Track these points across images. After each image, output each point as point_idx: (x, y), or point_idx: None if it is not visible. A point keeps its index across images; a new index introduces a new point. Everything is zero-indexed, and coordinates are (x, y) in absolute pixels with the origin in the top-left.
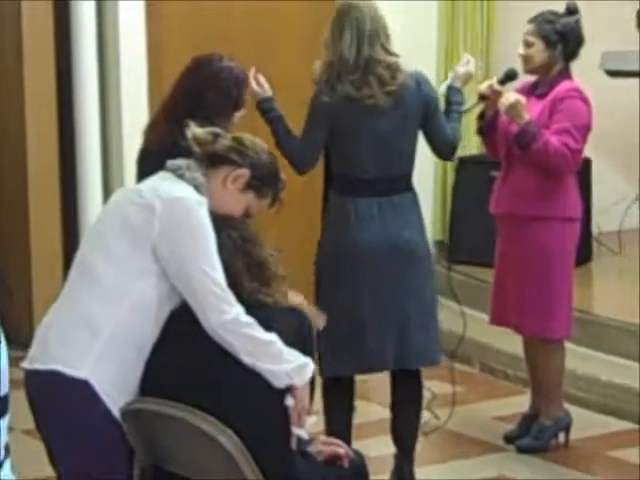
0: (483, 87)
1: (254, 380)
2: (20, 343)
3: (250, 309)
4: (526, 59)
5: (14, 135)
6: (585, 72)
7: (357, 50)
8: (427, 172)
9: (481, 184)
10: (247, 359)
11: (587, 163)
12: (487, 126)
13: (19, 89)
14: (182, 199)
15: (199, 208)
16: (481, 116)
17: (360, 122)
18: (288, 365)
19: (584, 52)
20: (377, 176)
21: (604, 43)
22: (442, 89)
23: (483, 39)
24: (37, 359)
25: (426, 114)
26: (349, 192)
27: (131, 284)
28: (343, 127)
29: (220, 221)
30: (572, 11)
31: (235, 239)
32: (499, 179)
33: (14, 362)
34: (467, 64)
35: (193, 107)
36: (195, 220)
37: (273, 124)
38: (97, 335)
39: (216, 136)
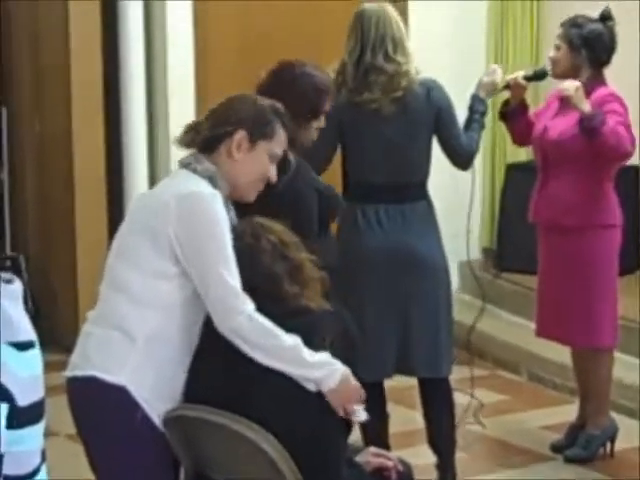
0: (510, 77)
1: (295, 386)
2: (65, 347)
3: (295, 315)
4: (553, 62)
5: (61, 137)
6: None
7: (358, 56)
8: (476, 177)
9: (529, 191)
10: (266, 361)
11: (635, 170)
12: (511, 114)
13: (66, 93)
14: (195, 194)
15: (213, 202)
16: (505, 103)
17: (365, 127)
18: (311, 370)
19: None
20: (385, 183)
21: None
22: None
23: (533, 42)
24: (77, 366)
25: (438, 122)
26: (358, 198)
27: (157, 287)
28: (349, 131)
29: (258, 226)
30: (606, 17)
31: (275, 244)
32: (537, 187)
33: (59, 366)
34: (492, 74)
35: None
36: (209, 215)
37: None
38: (132, 341)
39: (192, 125)
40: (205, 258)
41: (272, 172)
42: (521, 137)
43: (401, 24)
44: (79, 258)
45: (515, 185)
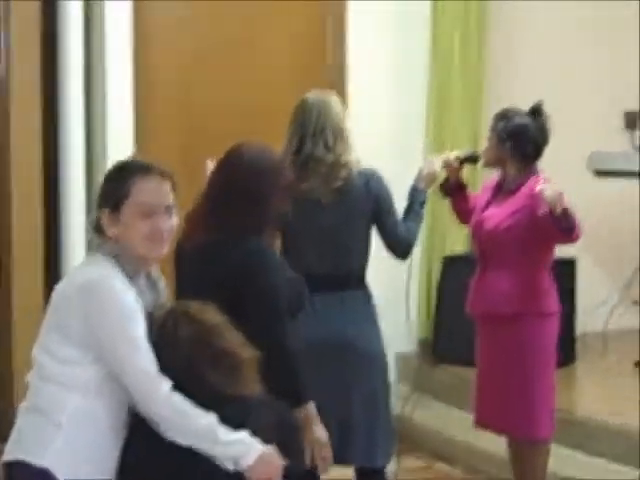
0: (443, 156)
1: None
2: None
3: (221, 404)
4: (484, 152)
5: None
6: (575, 169)
7: (298, 146)
8: (413, 269)
9: (466, 282)
10: (183, 441)
11: (572, 263)
12: (449, 191)
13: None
14: (93, 282)
15: (112, 286)
16: (446, 180)
17: (303, 217)
18: (227, 448)
19: (573, 153)
20: (322, 272)
21: (592, 144)
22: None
23: (472, 126)
24: (8, 451)
25: (375, 212)
26: None
27: (74, 372)
28: (287, 222)
29: (177, 311)
30: (536, 111)
31: (193, 332)
32: (474, 278)
33: None
34: (431, 165)
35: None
36: (109, 301)
37: None
38: (57, 423)
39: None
40: (113, 346)
41: (162, 225)
42: (461, 216)
43: (343, 114)
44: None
45: (452, 277)
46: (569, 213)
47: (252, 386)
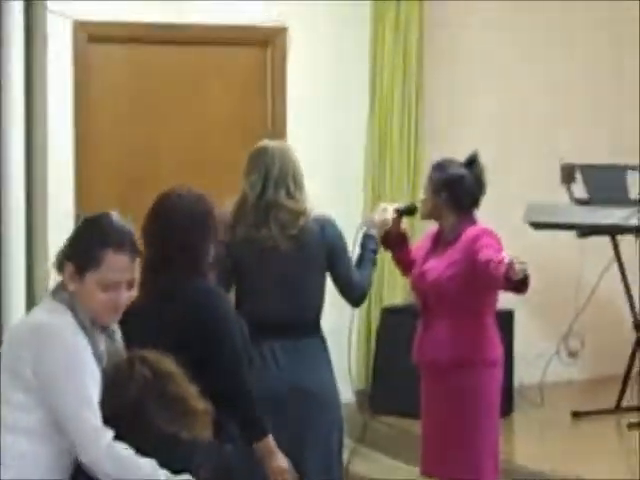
0: (384, 207)
1: None
2: None
3: (168, 448)
4: (422, 203)
5: None
6: (512, 221)
7: (261, 192)
8: (349, 320)
9: (405, 334)
10: None
11: (510, 315)
12: (390, 243)
13: None
14: (44, 327)
15: (63, 333)
16: (387, 232)
17: (262, 265)
18: None
19: (510, 208)
20: (281, 320)
21: (530, 197)
22: (359, 236)
23: (410, 178)
24: None
25: (330, 258)
26: (254, 335)
27: (20, 417)
28: (246, 269)
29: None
30: (472, 161)
31: (147, 376)
32: (419, 329)
33: None
34: (384, 212)
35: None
36: (59, 348)
37: None
38: (4, 466)
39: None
40: (58, 393)
41: (119, 300)
42: (402, 267)
43: (298, 162)
44: None
45: (390, 328)
46: (528, 280)
47: (202, 433)
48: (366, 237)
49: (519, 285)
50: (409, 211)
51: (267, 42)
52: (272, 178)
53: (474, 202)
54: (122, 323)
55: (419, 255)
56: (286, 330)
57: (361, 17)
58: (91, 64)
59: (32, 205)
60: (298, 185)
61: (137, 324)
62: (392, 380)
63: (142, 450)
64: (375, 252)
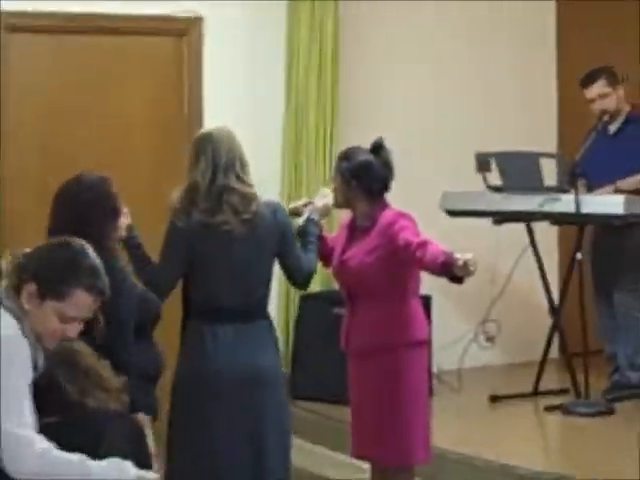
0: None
1: None
2: None
3: (79, 421)
4: (334, 193)
5: None
6: (428, 209)
7: (212, 178)
8: (270, 307)
9: (324, 320)
10: None
11: (427, 300)
12: None
13: None
14: None
15: (7, 345)
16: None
17: (216, 249)
18: (105, 476)
19: (427, 195)
20: (235, 304)
21: (445, 184)
22: (299, 221)
23: (326, 169)
24: None
25: (281, 243)
26: (206, 319)
27: None
28: (200, 253)
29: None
30: (377, 147)
31: (60, 351)
32: (346, 316)
33: None
34: (325, 197)
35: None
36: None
37: (131, 251)
38: None
39: (9, 259)
40: None
41: (69, 331)
42: (324, 260)
43: (242, 147)
44: None
45: (309, 315)
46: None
47: (107, 402)
48: (309, 222)
49: (455, 277)
50: None
51: (183, 32)
52: (221, 163)
53: (384, 187)
54: None
55: (338, 244)
56: (238, 314)
57: (277, 6)
58: (12, 54)
59: None
60: (245, 169)
61: None
62: (312, 366)
63: (51, 414)
64: (318, 236)
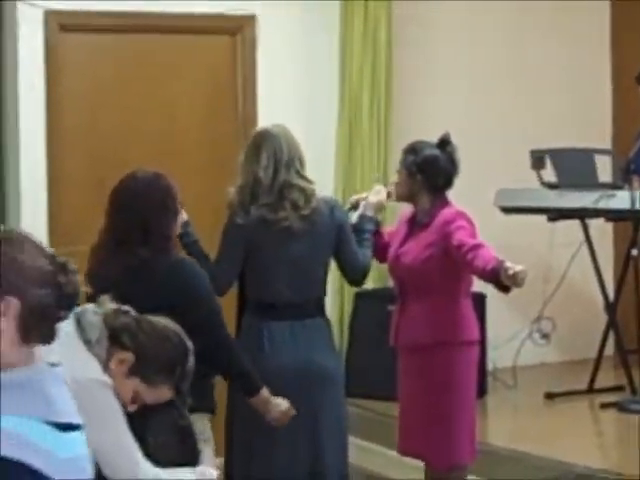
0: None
1: None
2: None
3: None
4: (396, 186)
5: None
6: (482, 207)
7: (274, 174)
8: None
9: (378, 318)
10: None
11: (481, 298)
12: None
13: None
14: (93, 381)
15: (105, 391)
16: None
17: (276, 245)
18: None
19: (481, 190)
20: (292, 300)
21: (500, 181)
22: (354, 217)
23: (380, 164)
24: None
25: (339, 239)
26: (263, 316)
27: None
28: (258, 248)
29: None
30: (444, 142)
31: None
32: (396, 312)
33: None
34: (378, 193)
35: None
36: (103, 406)
37: (188, 248)
38: None
39: (118, 312)
40: (103, 447)
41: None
42: (378, 254)
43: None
44: None
45: (363, 313)
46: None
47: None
48: (363, 218)
49: (502, 285)
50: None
51: (237, 30)
52: (282, 160)
53: (448, 182)
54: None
55: (396, 239)
56: (295, 310)
57: (330, 4)
58: (62, 54)
59: (4, 192)
60: (304, 166)
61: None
62: (366, 363)
63: None
64: (372, 232)
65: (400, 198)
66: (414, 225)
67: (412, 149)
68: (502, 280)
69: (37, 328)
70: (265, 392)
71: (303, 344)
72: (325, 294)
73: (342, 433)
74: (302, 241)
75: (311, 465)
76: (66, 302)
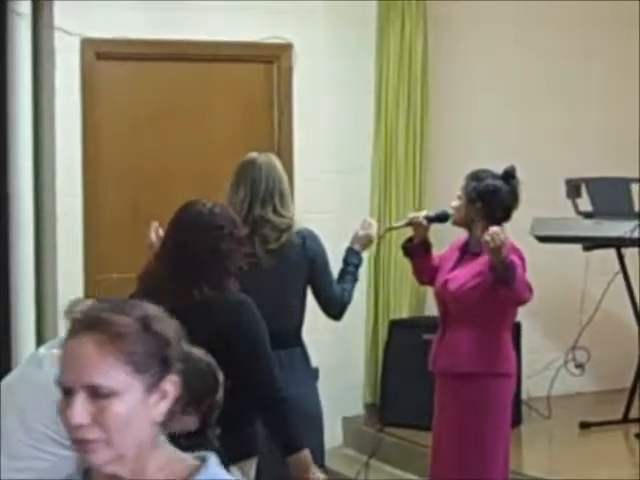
0: (412, 215)
1: None
2: None
3: None
4: (454, 210)
5: None
6: (518, 236)
7: (248, 208)
8: (358, 333)
9: (413, 347)
10: None
11: (517, 327)
12: (413, 251)
13: None
14: None
15: None
16: (409, 240)
17: (243, 280)
18: None
19: (516, 218)
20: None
21: (536, 208)
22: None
23: (415, 195)
24: None
25: (311, 271)
26: None
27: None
28: None
29: None
30: (509, 174)
31: None
32: (437, 337)
33: None
34: (368, 227)
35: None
36: None
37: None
38: None
39: None
40: None
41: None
42: (423, 275)
43: (285, 177)
44: None
45: (398, 341)
46: (507, 262)
47: None
48: (349, 251)
49: (502, 272)
50: (441, 218)
51: (273, 58)
52: (259, 194)
53: (507, 215)
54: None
55: (446, 264)
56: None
57: (366, 33)
58: (99, 81)
59: (41, 219)
60: (285, 200)
61: None
62: (401, 393)
63: None
64: (357, 267)
65: (457, 223)
66: (466, 253)
67: (475, 176)
68: (497, 267)
69: None
70: (307, 452)
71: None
72: (301, 325)
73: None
74: (270, 275)
75: None
76: None
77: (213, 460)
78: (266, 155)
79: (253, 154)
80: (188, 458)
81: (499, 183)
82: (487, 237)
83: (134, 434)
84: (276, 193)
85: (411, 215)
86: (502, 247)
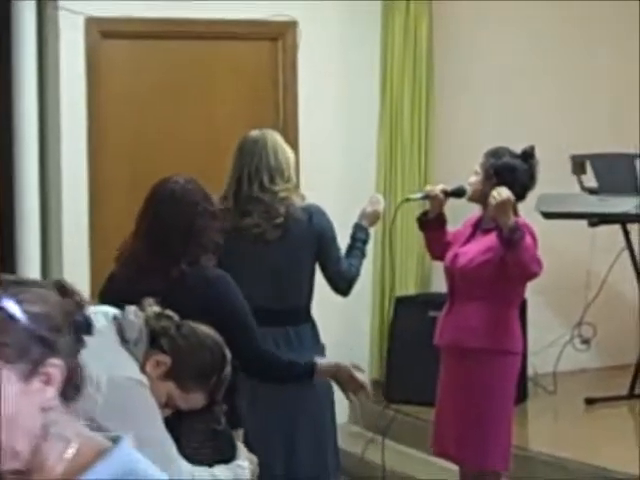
0: (429, 189)
1: None
2: None
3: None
4: (470, 186)
5: None
6: (524, 213)
7: (236, 189)
8: (364, 310)
9: (419, 324)
10: None
11: (523, 303)
12: (428, 225)
13: None
14: (130, 380)
15: (141, 390)
16: (425, 213)
17: (248, 252)
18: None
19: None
20: (270, 307)
21: (541, 186)
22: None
23: (421, 171)
24: None
25: (319, 246)
26: None
27: None
28: (233, 257)
29: None
30: (527, 154)
31: None
32: (444, 312)
33: None
34: (375, 204)
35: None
36: (140, 404)
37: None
38: None
39: (161, 315)
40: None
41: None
42: (435, 250)
43: (282, 150)
44: None
45: (404, 318)
46: (513, 225)
47: None
48: (357, 227)
49: (507, 233)
50: (457, 193)
51: (278, 36)
52: (245, 172)
53: (522, 194)
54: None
55: (459, 239)
56: (276, 318)
57: (370, 11)
58: (103, 60)
59: (47, 203)
60: (276, 176)
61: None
62: (406, 369)
63: None
64: (365, 242)
65: (472, 199)
66: (478, 229)
67: (494, 153)
68: (502, 221)
69: None
70: (322, 361)
71: (285, 352)
72: (310, 301)
73: (319, 436)
74: (276, 249)
75: (285, 466)
76: None
77: (125, 441)
78: (261, 132)
79: (252, 132)
80: (99, 439)
81: (517, 162)
82: (493, 193)
83: (22, 425)
84: (263, 169)
85: (428, 188)
86: (507, 204)
